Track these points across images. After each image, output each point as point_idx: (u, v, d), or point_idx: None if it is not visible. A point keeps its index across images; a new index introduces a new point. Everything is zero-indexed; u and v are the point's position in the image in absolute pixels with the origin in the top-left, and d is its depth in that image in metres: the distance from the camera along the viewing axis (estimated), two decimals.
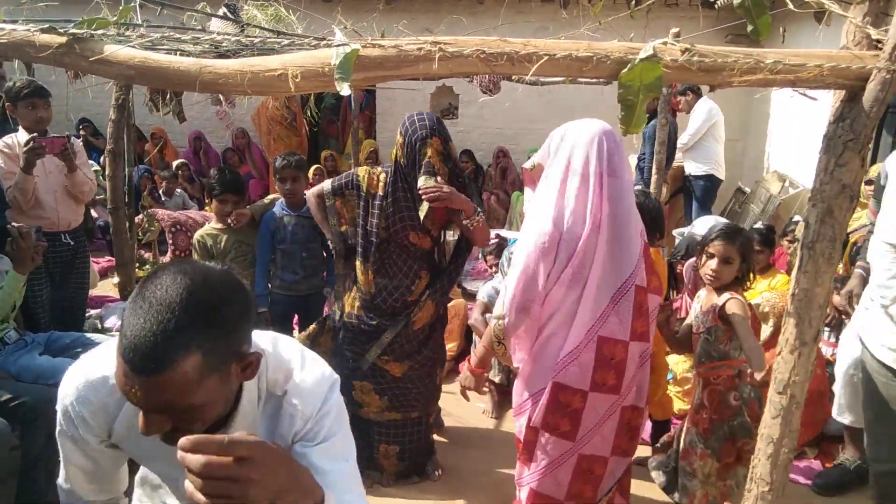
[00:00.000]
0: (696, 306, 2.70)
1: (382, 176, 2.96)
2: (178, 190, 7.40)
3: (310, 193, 3.14)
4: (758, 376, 2.49)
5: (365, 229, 2.97)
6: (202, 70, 1.57)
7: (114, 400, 1.36)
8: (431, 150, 2.79)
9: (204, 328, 1.10)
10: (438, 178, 2.75)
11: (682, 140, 6.50)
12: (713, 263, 2.56)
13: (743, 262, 2.56)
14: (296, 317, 3.79)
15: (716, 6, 6.42)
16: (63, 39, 1.61)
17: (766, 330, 3.49)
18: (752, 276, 2.65)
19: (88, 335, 3.37)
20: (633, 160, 7.02)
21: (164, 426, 1.14)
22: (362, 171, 3.02)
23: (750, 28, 1.43)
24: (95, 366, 1.38)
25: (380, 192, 2.94)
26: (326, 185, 3.08)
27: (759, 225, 4.56)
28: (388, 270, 2.95)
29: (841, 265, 3.95)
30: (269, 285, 3.59)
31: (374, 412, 3.13)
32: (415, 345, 3.09)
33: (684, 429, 2.68)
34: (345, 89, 1.44)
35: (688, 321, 2.76)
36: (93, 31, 1.62)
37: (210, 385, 1.13)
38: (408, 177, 2.87)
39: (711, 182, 6.59)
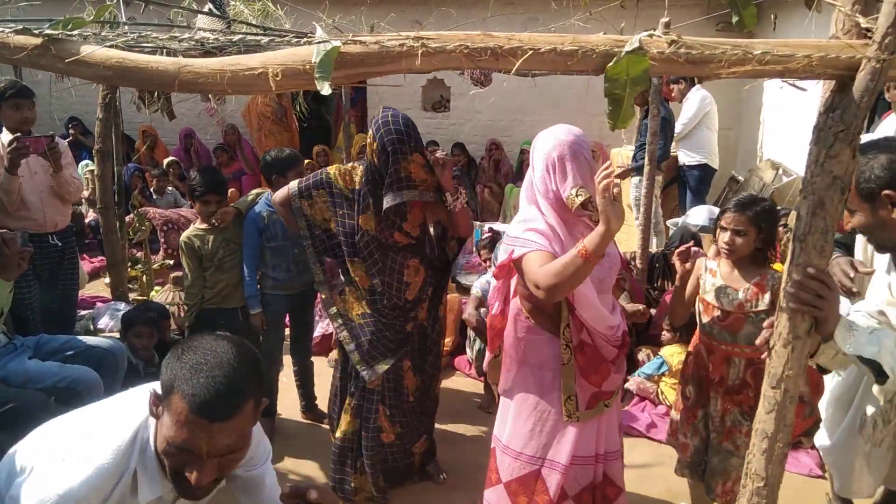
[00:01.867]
0: (711, 280, 2.61)
1: (360, 170, 2.89)
2: (170, 188, 7.35)
3: (275, 198, 3.04)
4: None
5: (348, 227, 2.89)
6: (181, 70, 1.54)
7: None
8: (414, 165, 2.74)
9: (252, 377, 1.35)
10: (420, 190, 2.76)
11: (676, 129, 6.47)
12: (725, 236, 2.53)
13: (760, 233, 2.50)
14: (286, 316, 3.77)
15: None
16: (38, 41, 1.58)
17: None
18: (773, 249, 2.61)
19: (80, 338, 3.34)
20: (629, 151, 7.00)
21: (213, 475, 1.33)
22: (332, 170, 2.95)
23: (735, 19, 1.41)
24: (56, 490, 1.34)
25: (357, 188, 2.87)
26: (293, 185, 2.98)
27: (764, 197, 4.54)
28: (380, 268, 2.89)
29: None
30: (259, 286, 3.55)
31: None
32: (427, 355, 3.10)
33: (716, 412, 2.62)
34: (325, 88, 1.41)
35: (691, 285, 2.69)
36: (69, 32, 1.58)
37: (251, 425, 1.38)
38: (384, 180, 2.77)
39: (705, 172, 6.56)
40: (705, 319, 2.64)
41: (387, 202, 2.72)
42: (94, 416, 1.51)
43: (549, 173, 2.17)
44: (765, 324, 2.07)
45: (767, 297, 2.48)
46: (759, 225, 2.49)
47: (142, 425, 1.45)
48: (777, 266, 3.86)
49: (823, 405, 2.70)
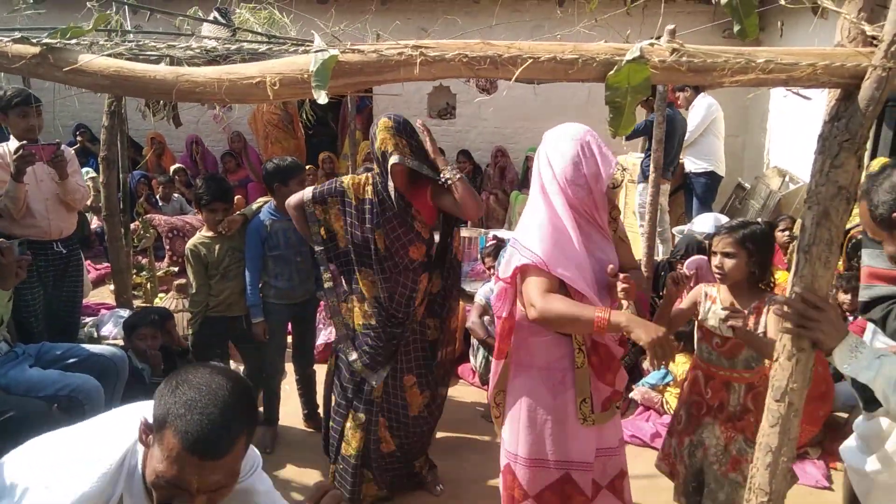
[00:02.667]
0: (712, 307, 2.56)
1: (372, 180, 2.91)
2: (176, 195, 7.36)
3: (289, 201, 3.06)
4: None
5: (357, 238, 2.90)
6: (179, 79, 1.53)
7: None
8: (381, 141, 2.77)
9: (246, 414, 1.36)
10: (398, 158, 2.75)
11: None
12: (716, 259, 2.49)
13: (752, 256, 2.44)
14: (288, 325, 3.75)
15: (712, 1, 6.36)
16: (36, 50, 1.57)
17: None
18: (771, 274, 2.52)
19: (82, 345, 3.33)
20: (634, 159, 6.97)
21: None
22: (346, 180, 2.97)
23: (737, 28, 1.39)
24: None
25: (369, 197, 2.88)
26: (307, 192, 3.01)
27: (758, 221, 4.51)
28: (391, 280, 2.90)
29: (841, 262, 3.90)
30: (262, 295, 3.53)
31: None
32: (437, 375, 3.10)
33: (717, 439, 2.55)
34: (321, 97, 1.40)
35: (684, 305, 2.65)
36: (66, 41, 1.58)
37: (241, 461, 1.38)
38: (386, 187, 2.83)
39: (712, 179, 6.53)
40: (704, 346, 2.59)
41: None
42: (81, 439, 1.49)
43: (584, 156, 2.12)
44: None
45: (763, 319, 2.42)
46: (748, 247, 2.43)
47: (129, 450, 1.44)
48: (783, 274, 3.83)
49: (858, 420, 2.63)
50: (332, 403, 3.14)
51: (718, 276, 2.51)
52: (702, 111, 6.39)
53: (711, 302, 2.57)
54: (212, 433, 1.26)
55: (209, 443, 1.26)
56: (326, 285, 3.03)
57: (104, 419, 1.58)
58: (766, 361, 2.47)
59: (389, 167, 2.74)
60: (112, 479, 1.39)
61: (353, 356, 2.95)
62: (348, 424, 3.04)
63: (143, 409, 1.49)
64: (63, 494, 1.34)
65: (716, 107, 6.44)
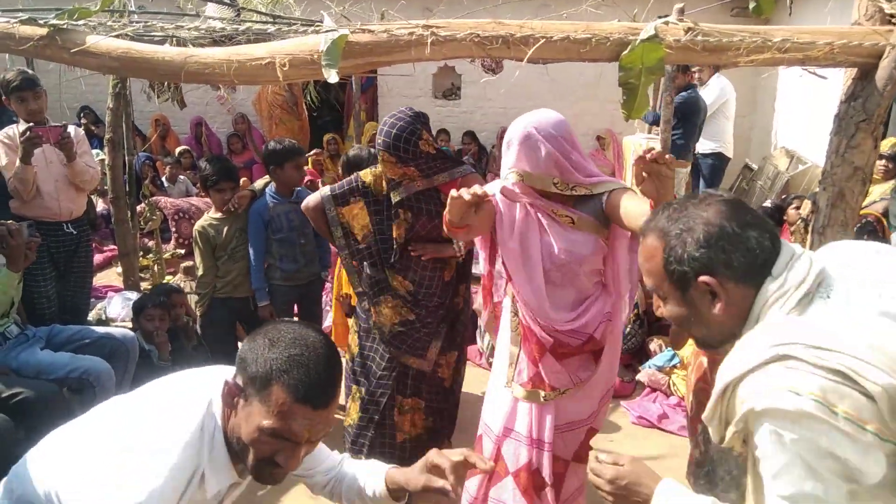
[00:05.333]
0: None
1: None
2: (182, 176, 7.35)
3: (307, 203, 2.96)
4: None
5: (387, 234, 2.83)
6: (187, 60, 1.52)
7: None
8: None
9: (339, 361, 1.42)
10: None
11: None
12: None
13: None
14: (295, 306, 3.76)
15: None
16: (44, 31, 1.56)
17: None
18: None
19: (92, 328, 3.35)
20: (640, 139, 6.92)
21: (301, 459, 1.40)
22: (367, 177, 2.86)
23: (752, 5, 1.37)
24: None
25: (386, 192, 2.82)
26: (325, 191, 2.89)
27: (767, 203, 4.48)
28: (417, 267, 2.86)
29: None
30: (268, 277, 3.53)
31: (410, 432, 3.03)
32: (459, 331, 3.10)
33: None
34: (332, 76, 1.39)
35: None
36: (74, 22, 1.56)
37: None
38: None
39: (720, 160, 6.49)
40: None
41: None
42: (142, 422, 1.39)
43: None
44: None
45: None
46: None
47: (206, 416, 1.41)
48: None
49: None
50: (364, 397, 3.01)
51: None
52: (714, 92, 6.32)
53: None
54: (319, 383, 1.33)
55: (319, 393, 1.33)
56: (356, 290, 2.99)
57: (157, 394, 1.49)
58: None
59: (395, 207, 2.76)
60: (196, 449, 1.37)
61: (393, 353, 2.91)
62: (395, 414, 2.97)
63: (197, 378, 1.49)
64: (150, 473, 1.29)
65: (729, 88, 6.38)
